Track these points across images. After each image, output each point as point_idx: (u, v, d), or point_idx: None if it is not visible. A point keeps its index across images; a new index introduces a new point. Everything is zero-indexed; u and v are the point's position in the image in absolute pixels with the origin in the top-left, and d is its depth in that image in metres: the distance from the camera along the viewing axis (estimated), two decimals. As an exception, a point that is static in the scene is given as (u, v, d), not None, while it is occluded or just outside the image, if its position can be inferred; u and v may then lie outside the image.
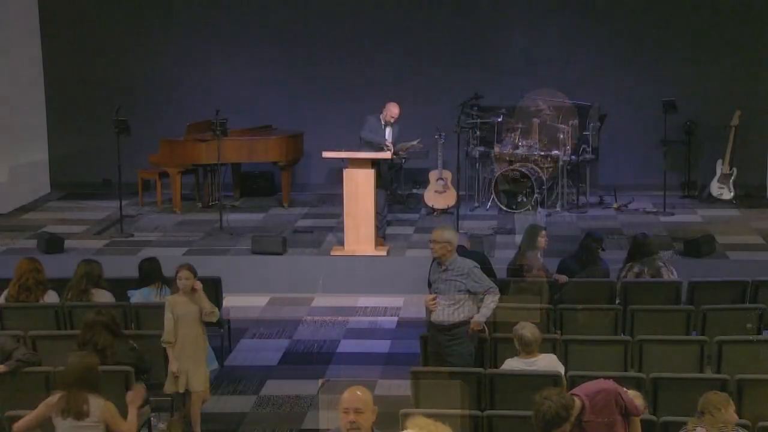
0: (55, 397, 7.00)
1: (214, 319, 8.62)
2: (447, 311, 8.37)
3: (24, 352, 7.97)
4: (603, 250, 10.52)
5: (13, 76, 15.60)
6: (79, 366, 7.00)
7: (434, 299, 8.41)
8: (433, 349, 8.54)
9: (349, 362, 10.45)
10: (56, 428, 6.99)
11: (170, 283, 9.71)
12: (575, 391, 6.20)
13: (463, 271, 8.38)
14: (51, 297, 9.55)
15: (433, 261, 8.64)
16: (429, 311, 8.60)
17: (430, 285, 8.68)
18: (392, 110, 13.32)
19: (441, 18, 16.47)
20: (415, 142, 14.01)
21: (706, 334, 8.96)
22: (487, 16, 16.44)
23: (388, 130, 13.29)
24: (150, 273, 9.91)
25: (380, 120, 13.31)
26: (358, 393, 5.63)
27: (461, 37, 16.43)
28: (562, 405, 5.82)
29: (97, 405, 6.94)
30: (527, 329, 7.76)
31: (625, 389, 6.39)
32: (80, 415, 6.88)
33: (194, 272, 8.62)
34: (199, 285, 8.57)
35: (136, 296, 9.80)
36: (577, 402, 6.01)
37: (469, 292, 8.37)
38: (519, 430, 7.18)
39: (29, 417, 7.05)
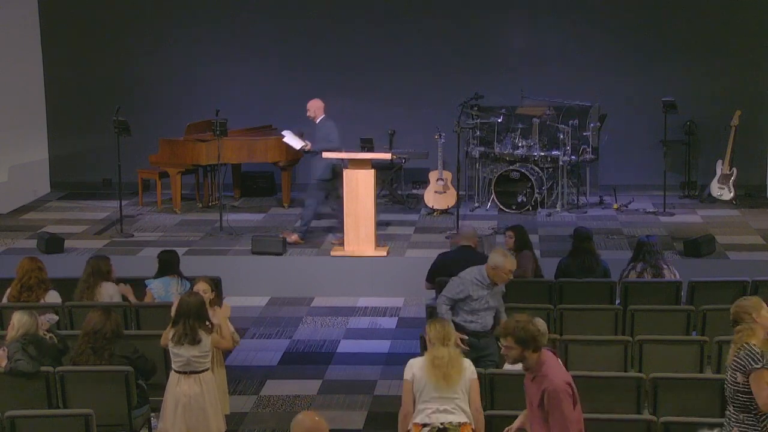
0: (170, 332, 7.91)
1: (224, 345, 8.38)
2: (490, 318, 8.60)
3: (24, 359, 7.86)
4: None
5: (13, 76, 15.60)
6: (194, 303, 7.93)
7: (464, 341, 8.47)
8: (472, 356, 8.49)
9: (349, 362, 10.45)
10: (174, 357, 7.88)
11: (185, 276, 9.77)
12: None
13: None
14: (52, 297, 9.53)
15: (465, 278, 8.55)
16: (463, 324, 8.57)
17: (464, 299, 8.51)
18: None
19: (441, 18, 16.46)
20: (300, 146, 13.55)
21: (706, 334, 8.96)
22: (487, 16, 16.44)
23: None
24: (167, 263, 9.88)
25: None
26: (317, 418, 5.33)
27: (461, 38, 16.43)
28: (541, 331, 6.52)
29: (206, 335, 7.91)
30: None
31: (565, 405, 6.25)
32: (194, 341, 7.81)
33: (212, 286, 8.57)
34: (226, 309, 8.52)
35: (155, 284, 9.74)
36: (547, 352, 6.45)
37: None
38: (519, 430, 7.18)
39: (165, 338, 8.02)
